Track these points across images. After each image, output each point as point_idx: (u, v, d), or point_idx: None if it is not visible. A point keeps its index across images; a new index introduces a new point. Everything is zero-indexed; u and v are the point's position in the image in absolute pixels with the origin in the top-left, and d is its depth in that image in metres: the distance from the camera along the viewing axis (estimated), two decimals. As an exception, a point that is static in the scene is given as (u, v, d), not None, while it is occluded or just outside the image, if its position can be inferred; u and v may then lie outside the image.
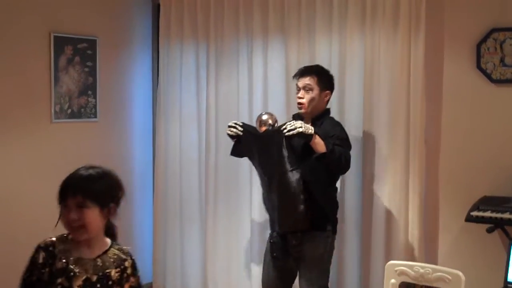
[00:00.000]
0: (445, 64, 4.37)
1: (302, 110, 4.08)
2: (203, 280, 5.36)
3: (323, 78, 4.08)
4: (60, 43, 4.94)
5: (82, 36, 5.12)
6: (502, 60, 4.16)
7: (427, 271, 3.06)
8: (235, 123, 4.09)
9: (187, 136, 5.43)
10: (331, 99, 4.62)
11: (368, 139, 4.55)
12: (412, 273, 3.10)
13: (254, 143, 4.03)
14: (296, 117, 4.15)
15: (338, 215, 4.57)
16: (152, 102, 5.74)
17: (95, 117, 5.25)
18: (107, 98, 5.35)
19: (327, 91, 4.09)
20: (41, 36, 4.86)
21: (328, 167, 3.87)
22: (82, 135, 5.21)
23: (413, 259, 4.31)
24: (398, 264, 3.17)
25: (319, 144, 3.80)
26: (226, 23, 5.12)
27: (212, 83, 5.23)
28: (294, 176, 3.84)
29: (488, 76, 4.21)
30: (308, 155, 3.84)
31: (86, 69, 5.15)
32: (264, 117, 4.01)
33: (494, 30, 4.18)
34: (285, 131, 3.79)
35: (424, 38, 4.29)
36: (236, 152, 4.19)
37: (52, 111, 4.92)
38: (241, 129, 4.05)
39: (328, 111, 4.16)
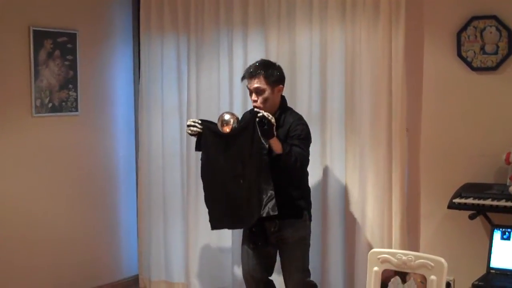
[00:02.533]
0: (426, 52, 4.37)
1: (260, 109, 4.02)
2: (186, 272, 5.38)
3: (271, 75, 4.01)
4: (40, 37, 4.91)
5: (62, 29, 5.09)
6: (482, 48, 4.17)
7: (410, 258, 3.07)
8: (193, 121, 4.12)
9: (169, 130, 5.43)
10: (310, 89, 4.66)
11: (350, 128, 4.56)
12: (395, 260, 3.10)
13: (215, 142, 4.05)
14: (251, 111, 4.11)
15: (321, 203, 4.61)
16: (134, 95, 5.72)
17: (76, 110, 5.23)
18: (89, 92, 5.32)
19: (279, 86, 4.05)
20: (20, 30, 4.83)
21: (282, 166, 3.89)
22: (64, 129, 5.19)
23: (396, 247, 4.34)
24: (380, 252, 3.18)
25: (277, 144, 3.85)
26: (207, 15, 5.11)
27: (193, 76, 5.22)
28: (266, 160, 3.84)
29: (469, 64, 4.22)
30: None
31: (67, 63, 5.12)
32: (226, 117, 4.01)
33: (474, 18, 4.19)
34: (261, 114, 3.79)
35: (404, 28, 4.30)
36: (200, 147, 4.20)
37: (33, 105, 4.90)
38: (200, 126, 4.08)
39: (284, 100, 4.13)
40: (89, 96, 5.34)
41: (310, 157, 4.09)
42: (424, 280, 3.02)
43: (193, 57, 5.21)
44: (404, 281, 3.09)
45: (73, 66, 5.16)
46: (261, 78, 3.98)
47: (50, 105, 5.01)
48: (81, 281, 5.30)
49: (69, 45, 5.12)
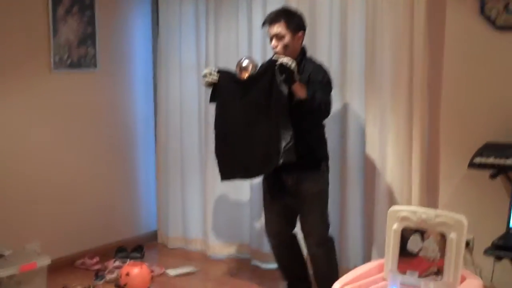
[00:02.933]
0: (448, 10, 4.29)
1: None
2: (203, 228, 5.43)
3: (292, 21, 3.99)
4: (58, -8, 4.88)
5: (80, -15, 5.06)
6: (506, 6, 4.07)
7: (430, 216, 3.07)
8: (210, 71, 4.10)
9: (187, 87, 5.44)
10: (330, 46, 4.61)
11: (371, 85, 4.52)
12: (415, 218, 3.11)
13: (231, 89, 4.03)
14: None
15: (340, 161, 4.60)
16: (152, 52, 5.70)
17: (95, 67, 5.22)
18: (107, 48, 5.32)
19: (300, 33, 4.02)
20: (38, -13, 4.82)
21: (307, 112, 3.88)
22: (82, 85, 5.20)
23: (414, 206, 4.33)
24: (400, 209, 3.18)
25: (301, 89, 3.79)
26: (225, -28, 5.07)
27: (211, 34, 5.20)
28: (285, 106, 3.82)
29: (492, 23, 4.14)
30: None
31: (85, 19, 5.10)
32: (245, 63, 4.00)
33: (498, -25, 4.11)
34: (280, 60, 3.75)
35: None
36: (215, 98, 4.18)
37: (52, 61, 4.89)
38: (216, 76, 4.07)
39: (304, 50, 4.10)
40: (108, 53, 5.33)
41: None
42: (443, 237, 3.03)
43: (212, 14, 5.18)
44: (423, 238, 3.10)
45: (91, 22, 5.15)
46: (282, 23, 3.95)
47: (68, 61, 5.01)
48: (100, 235, 5.38)
49: (87, 1, 5.09)
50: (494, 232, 3.93)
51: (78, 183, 5.20)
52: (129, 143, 5.63)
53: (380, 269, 3.28)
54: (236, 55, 5.08)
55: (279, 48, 3.97)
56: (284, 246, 4.32)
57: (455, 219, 3.00)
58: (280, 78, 3.77)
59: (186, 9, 5.35)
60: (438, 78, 4.38)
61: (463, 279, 3.06)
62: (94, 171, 5.32)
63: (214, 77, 4.06)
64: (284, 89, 3.79)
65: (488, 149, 4.01)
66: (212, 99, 4.18)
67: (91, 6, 5.12)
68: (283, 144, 3.81)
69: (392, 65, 4.42)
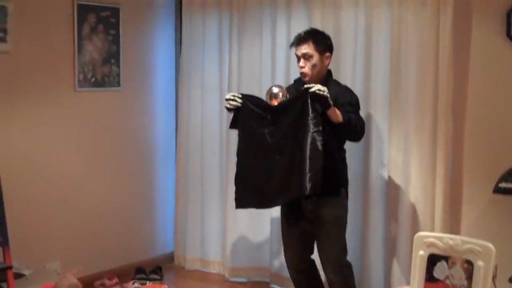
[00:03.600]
0: (474, 33, 4.26)
1: (306, 79, 4.00)
2: (222, 250, 5.39)
3: (320, 42, 4.01)
4: (84, 11, 4.92)
5: (105, 4, 5.09)
6: (533, 29, 4.06)
7: (457, 243, 3.01)
8: (233, 95, 4.05)
9: (209, 107, 5.43)
10: (354, 69, 4.60)
11: (395, 109, 4.49)
12: (442, 244, 3.04)
13: (256, 116, 3.98)
14: (299, 83, 4.10)
15: (363, 186, 4.56)
16: (175, 70, 5.70)
17: (119, 85, 5.24)
18: (131, 67, 5.34)
19: (327, 54, 4.04)
20: (64, 4, 4.86)
21: (343, 136, 3.92)
22: (106, 104, 5.22)
23: (438, 231, 4.28)
24: (427, 235, 3.11)
25: (336, 114, 3.79)
26: (250, -11, 5.06)
27: (234, 51, 5.19)
28: (316, 137, 3.77)
29: (518, 45, 4.12)
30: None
31: (109, 38, 5.12)
32: (275, 90, 3.97)
33: (524, -2, 4.08)
34: (314, 88, 3.73)
35: (452, 7, 4.20)
36: (234, 124, 4.13)
37: (76, 79, 4.91)
38: (240, 101, 4.01)
39: (330, 73, 4.11)
40: (131, 71, 5.35)
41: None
42: (470, 265, 2.97)
43: (235, 33, 5.17)
44: (449, 265, 3.04)
45: (115, 40, 5.16)
46: (310, 43, 3.97)
47: (93, 79, 5.03)
48: (118, 256, 5.35)
49: (112, 20, 5.12)
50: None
51: (98, 203, 5.18)
52: (149, 163, 5.62)
53: (406, 295, 3.22)
54: (259, 73, 5.09)
55: (306, 68, 3.97)
56: (302, 272, 4.28)
57: (483, 246, 2.93)
58: (313, 105, 3.75)
59: (209, 26, 5.36)
60: (462, 102, 4.34)
61: (490, 307, 2.99)
62: (114, 191, 5.31)
63: (238, 102, 4.02)
64: (318, 116, 3.76)
65: (512, 174, 3.96)
66: (233, 124, 4.14)
67: (116, 25, 5.14)
68: (309, 175, 3.75)
69: (417, 89, 4.39)
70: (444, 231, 4.28)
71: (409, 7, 4.37)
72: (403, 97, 4.45)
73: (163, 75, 5.66)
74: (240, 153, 4.11)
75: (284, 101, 3.93)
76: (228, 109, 4.08)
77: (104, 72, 5.10)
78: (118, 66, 5.20)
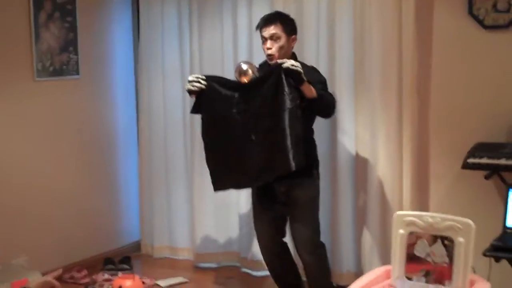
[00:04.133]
0: (436, 11, 4.29)
1: (273, 61, 3.94)
2: (191, 237, 5.36)
3: (288, 23, 4.00)
4: (39, -2, 4.77)
5: (61, -10, 4.95)
6: (494, 6, 4.09)
7: (437, 221, 3.06)
8: (197, 77, 3.95)
9: (171, 91, 5.36)
10: (318, 50, 4.60)
11: (360, 89, 4.51)
12: (421, 223, 3.09)
13: (224, 96, 3.91)
14: (263, 67, 4.08)
15: (331, 164, 4.57)
16: (133, 56, 5.61)
17: (77, 74, 5.13)
18: (89, 54, 5.23)
19: (293, 36, 4.02)
20: (19, -9, 4.70)
21: (317, 111, 3.91)
22: (65, 93, 5.10)
23: (406, 208, 4.33)
24: (406, 214, 3.16)
25: (310, 88, 3.76)
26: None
27: (195, 36, 5.13)
28: (295, 111, 3.74)
29: (480, 22, 4.15)
30: None
31: (66, 25, 5.00)
32: (244, 66, 3.89)
33: (486, -25, 4.13)
34: (287, 63, 3.69)
35: (415, -14, 4.25)
36: (197, 109, 4.05)
37: (35, 69, 4.79)
38: (204, 82, 3.92)
39: (295, 56, 4.08)
40: (90, 59, 5.24)
41: (319, 118, 4.08)
42: (451, 242, 3.01)
43: (195, 17, 5.10)
44: (430, 243, 3.08)
45: (73, 28, 5.04)
46: (278, 24, 3.94)
47: (51, 68, 4.90)
48: (85, 248, 5.27)
49: (68, 6, 4.99)
50: (486, 233, 3.93)
51: (60, 194, 5.08)
52: (111, 152, 5.53)
53: (387, 275, 3.25)
54: (221, 58, 5.04)
55: (274, 50, 3.92)
56: (276, 255, 4.27)
57: (463, 223, 2.99)
58: (288, 80, 3.70)
59: (168, 11, 5.26)
60: (427, 79, 4.38)
61: (472, 283, 3.05)
62: (76, 181, 5.21)
63: (202, 84, 3.92)
64: (294, 91, 3.71)
65: (479, 149, 4.01)
66: (196, 108, 4.03)
67: (73, 11, 5.01)
68: (292, 151, 3.73)
69: (381, 66, 4.42)
70: (413, 207, 4.34)
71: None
72: (368, 76, 4.47)
73: (122, 61, 5.56)
74: (207, 135, 4.03)
75: (255, 78, 3.87)
76: (191, 92, 3.97)
77: (63, 61, 4.98)
78: (76, 54, 5.08)
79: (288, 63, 3.70)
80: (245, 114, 3.88)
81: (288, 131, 3.74)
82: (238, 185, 4.15)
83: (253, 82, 3.86)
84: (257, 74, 3.89)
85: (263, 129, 3.83)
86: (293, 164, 3.74)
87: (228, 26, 5.00)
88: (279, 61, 3.78)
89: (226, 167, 3.99)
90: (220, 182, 4.04)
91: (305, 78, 3.72)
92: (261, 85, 3.83)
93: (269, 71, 3.85)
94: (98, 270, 5.02)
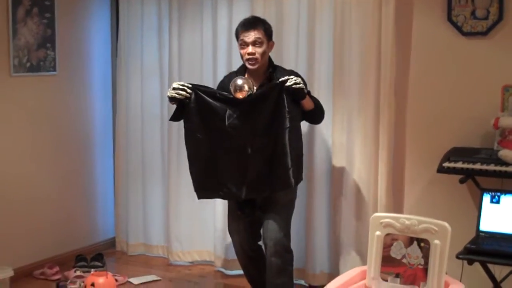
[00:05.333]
0: (415, 18, 4.33)
1: (255, 66, 3.92)
2: (166, 237, 5.35)
3: (268, 29, 3.99)
4: (18, -7, 4.73)
5: (39, -14, 4.92)
6: (473, 13, 4.15)
7: (413, 223, 3.09)
8: (183, 85, 3.85)
9: (149, 90, 5.35)
10: (297, 54, 4.64)
11: (338, 91, 4.54)
12: (398, 225, 3.12)
13: (213, 108, 3.84)
14: (240, 73, 4.02)
15: (307, 166, 4.60)
16: (111, 54, 5.58)
17: (55, 70, 5.09)
18: (66, 51, 5.19)
19: (272, 41, 4.03)
20: (-3, -14, 4.66)
21: (311, 120, 4.00)
22: (42, 89, 5.06)
23: (381, 210, 4.37)
24: (383, 216, 3.19)
25: (309, 102, 3.81)
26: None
27: (175, 36, 5.12)
28: (288, 134, 3.75)
29: (459, 29, 4.21)
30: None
31: (45, 21, 4.96)
32: (239, 82, 3.80)
33: (464, -18, 4.18)
34: (291, 82, 3.70)
35: (394, -9, 4.29)
36: (178, 117, 3.96)
37: (11, 64, 4.74)
38: (190, 91, 3.84)
39: (271, 60, 4.06)
40: (67, 56, 5.20)
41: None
42: (427, 244, 3.05)
43: (175, 17, 5.09)
44: (406, 245, 3.11)
45: (51, 24, 5.00)
46: (260, 29, 3.92)
47: (28, 64, 4.86)
48: (56, 244, 5.22)
49: (47, 2, 4.94)
50: (460, 236, 3.98)
51: (35, 190, 5.04)
52: (87, 148, 5.49)
53: (363, 276, 3.28)
54: (200, 58, 5.04)
55: (257, 54, 3.90)
56: (251, 259, 4.24)
57: (439, 225, 3.02)
58: (288, 98, 3.72)
59: (148, 10, 5.25)
60: (405, 83, 4.42)
61: (446, 285, 3.09)
62: (52, 177, 5.18)
63: (187, 93, 3.83)
64: (293, 110, 3.74)
65: (455, 154, 4.07)
66: (176, 116, 3.94)
67: (51, 8, 4.97)
68: (292, 169, 3.77)
69: (360, 70, 4.47)
70: (388, 210, 4.38)
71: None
72: (346, 80, 4.51)
73: (100, 59, 5.52)
74: (192, 146, 3.93)
75: (253, 94, 3.80)
76: (173, 99, 3.86)
77: (40, 57, 4.94)
78: (54, 50, 5.04)
79: (292, 81, 3.71)
80: (240, 129, 3.83)
81: (288, 149, 3.76)
82: (226, 196, 4.05)
83: (251, 98, 3.80)
84: (254, 89, 3.83)
85: (261, 145, 3.82)
86: (293, 181, 3.81)
87: (208, 26, 5.00)
88: (281, 79, 3.76)
89: (213, 177, 3.92)
90: (204, 191, 3.99)
91: (306, 92, 3.76)
92: (261, 101, 3.80)
93: (270, 88, 3.79)
94: (71, 267, 4.97)
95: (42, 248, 5.09)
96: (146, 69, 5.31)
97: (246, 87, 3.79)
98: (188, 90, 3.84)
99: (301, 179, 3.97)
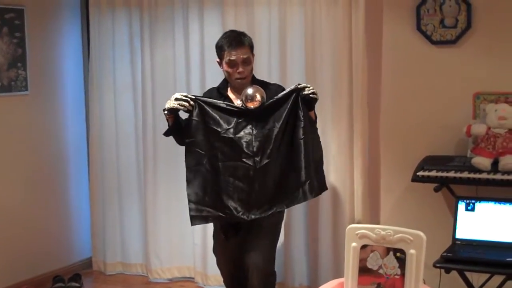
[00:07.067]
0: (385, 27, 4.36)
1: (243, 83, 3.79)
2: (144, 254, 5.31)
3: (251, 43, 3.88)
4: (-14, 13, 4.70)
5: (9, 5, 4.88)
6: (442, 22, 4.19)
7: (389, 233, 3.08)
8: (185, 96, 3.69)
9: (122, 108, 5.32)
10: (269, 65, 4.64)
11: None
12: (374, 235, 3.11)
13: (224, 119, 3.68)
14: (223, 88, 3.90)
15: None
16: (83, 72, 5.55)
17: (26, 89, 5.05)
18: (38, 70, 5.16)
19: (253, 54, 3.91)
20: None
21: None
22: (13, 109, 5.02)
23: (357, 221, 4.38)
24: (359, 227, 3.18)
25: (313, 114, 3.78)
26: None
27: (147, 52, 5.12)
28: (304, 145, 3.66)
29: (428, 38, 4.24)
30: None
31: (15, 40, 4.92)
32: (250, 91, 3.64)
33: (433, -9, 4.21)
34: (309, 91, 3.64)
35: (364, 2, 4.32)
36: (174, 131, 3.78)
37: (-18, 85, 4.71)
38: (193, 103, 3.66)
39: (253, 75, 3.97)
40: (39, 75, 5.17)
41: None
42: (403, 254, 3.05)
43: (147, 33, 5.09)
44: (382, 255, 3.11)
45: (21, 43, 4.97)
46: (247, 47, 3.80)
47: (-1, 85, 4.84)
48: (33, 266, 5.16)
49: (17, 22, 4.92)
50: (436, 244, 3.98)
51: (9, 211, 4.98)
52: (61, 167, 5.44)
53: (341, 288, 3.27)
54: (173, 73, 5.04)
55: (246, 72, 3.78)
56: (236, 279, 4.10)
57: (414, 234, 3.02)
58: (304, 107, 3.65)
59: (119, 27, 5.23)
60: (377, 94, 4.45)
61: (423, 294, 3.09)
62: (25, 197, 5.12)
63: (190, 104, 3.66)
64: (306, 119, 3.66)
65: (428, 162, 4.08)
66: (172, 131, 3.76)
67: (21, 27, 4.95)
68: (309, 181, 3.67)
69: (332, 83, 4.51)
70: (364, 220, 4.39)
71: (321, 3, 4.44)
72: (319, 91, 4.44)
73: (72, 77, 5.49)
74: (194, 162, 3.73)
75: (266, 103, 3.67)
76: (172, 111, 3.68)
77: (11, 76, 4.91)
78: (25, 70, 5.01)
79: (310, 90, 3.64)
80: (249, 141, 3.68)
81: (303, 161, 3.66)
82: (230, 217, 3.75)
83: (265, 107, 3.67)
84: (265, 98, 3.68)
85: (272, 158, 3.67)
86: (311, 195, 3.73)
87: (180, 41, 5.00)
88: (299, 86, 3.68)
89: (215, 196, 3.73)
90: (201, 215, 3.78)
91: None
92: (274, 111, 3.69)
93: (286, 96, 3.68)
94: (48, 288, 4.93)
95: (18, 270, 5.03)
96: (119, 86, 5.28)
97: (258, 97, 3.65)
98: (191, 102, 3.68)
99: (325, 189, 3.85)
